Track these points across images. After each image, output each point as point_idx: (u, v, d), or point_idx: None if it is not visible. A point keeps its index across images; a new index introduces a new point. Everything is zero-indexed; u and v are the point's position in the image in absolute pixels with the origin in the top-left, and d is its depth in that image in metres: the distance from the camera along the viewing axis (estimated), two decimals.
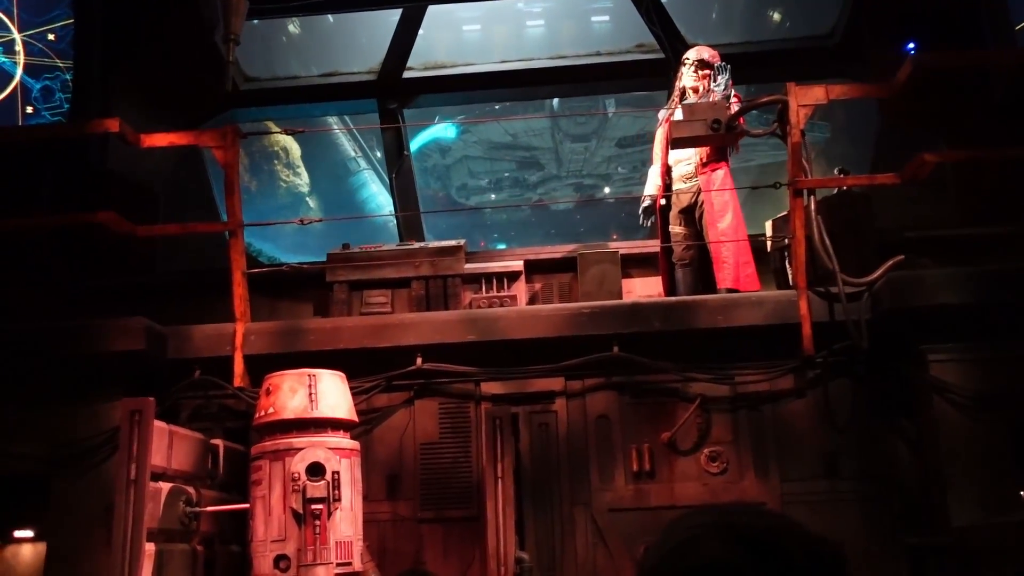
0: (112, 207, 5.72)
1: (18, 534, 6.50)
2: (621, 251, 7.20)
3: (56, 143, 7.40)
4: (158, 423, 4.61)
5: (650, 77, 9.16)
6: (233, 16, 6.11)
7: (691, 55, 6.97)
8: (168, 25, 8.88)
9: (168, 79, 8.73)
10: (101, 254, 7.53)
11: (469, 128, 19.20)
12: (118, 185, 8.08)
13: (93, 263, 7.71)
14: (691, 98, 6.80)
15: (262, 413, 4.71)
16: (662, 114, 7.11)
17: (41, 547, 5.73)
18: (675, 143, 6.20)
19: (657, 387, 5.53)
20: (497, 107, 19.86)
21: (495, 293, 6.95)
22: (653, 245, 7.18)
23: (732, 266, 6.23)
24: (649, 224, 7.30)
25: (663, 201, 6.85)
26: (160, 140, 5.98)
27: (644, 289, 7.26)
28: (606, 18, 19.25)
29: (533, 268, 7.29)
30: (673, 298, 6.18)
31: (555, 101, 20.61)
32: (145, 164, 8.03)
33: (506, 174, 21.76)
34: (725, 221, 6.41)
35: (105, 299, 7.12)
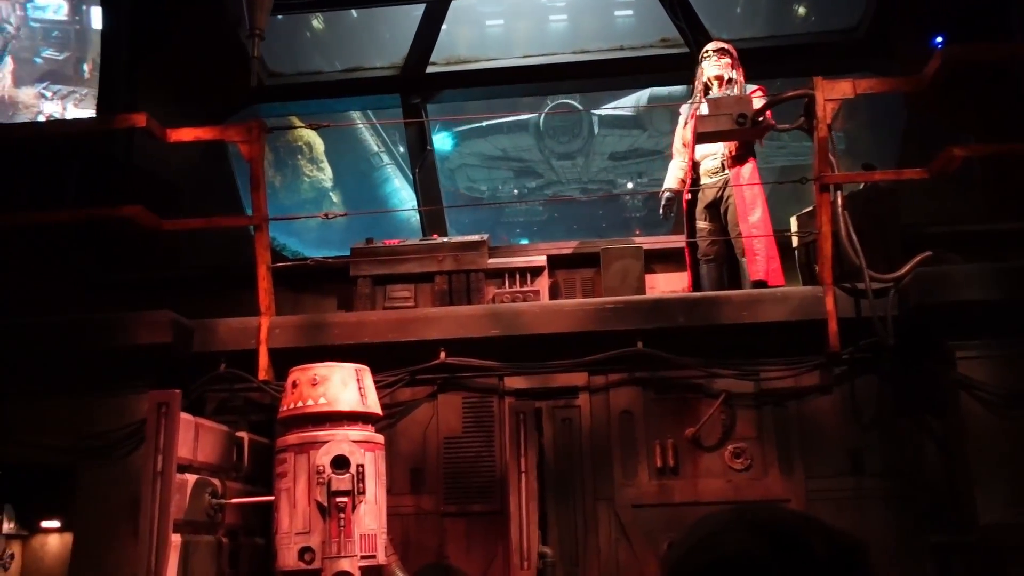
0: (138, 201, 5.76)
1: (45, 524, 6.57)
2: (644, 246, 7.19)
3: (83, 137, 7.45)
4: (184, 415, 4.64)
5: (674, 71, 9.12)
6: (258, 11, 6.15)
7: (710, 46, 6.96)
8: (193, 20, 8.94)
9: (193, 74, 8.78)
10: (127, 248, 7.60)
11: (463, 140, 19.26)
12: (144, 179, 8.15)
13: (119, 257, 7.78)
14: (715, 89, 6.78)
15: (287, 406, 4.73)
16: (685, 109, 7.09)
17: (68, 537, 5.79)
18: (701, 137, 6.17)
19: (681, 383, 5.50)
20: (484, 124, 19.99)
21: (518, 288, 6.96)
22: (676, 240, 7.16)
23: (764, 259, 6.22)
24: (671, 217, 7.28)
25: (688, 196, 6.83)
26: (186, 135, 6.01)
27: (667, 284, 7.23)
28: (629, 12, 19.16)
29: (556, 263, 7.29)
30: (697, 293, 6.16)
31: (541, 119, 20.65)
32: (171, 158, 8.08)
33: (504, 183, 21.71)
34: (756, 214, 6.40)
35: (131, 292, 7.18)
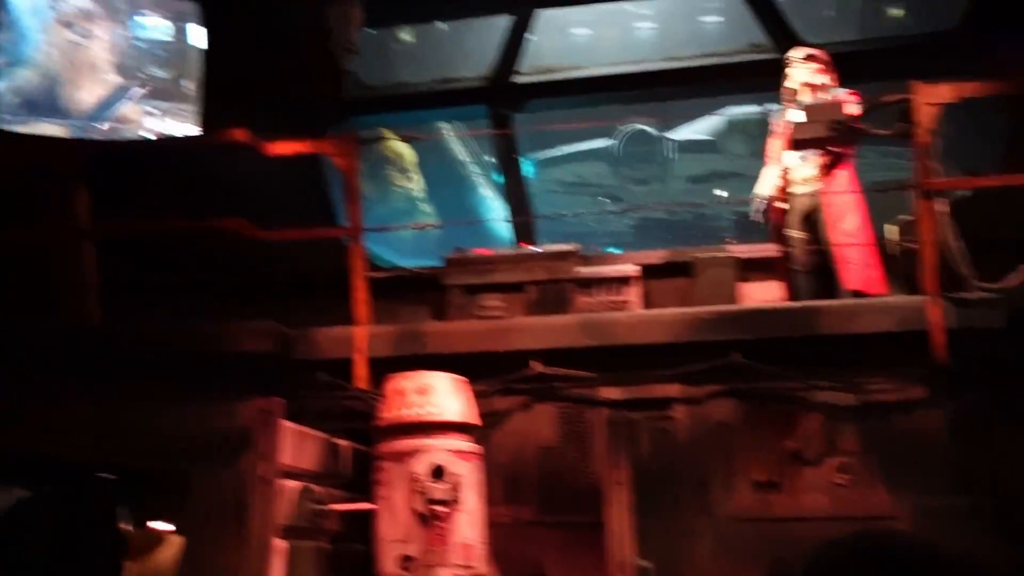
0: (238, 213, 5.92)
1: (156, 527, 6.78)
2: (738, 255, 7.10)
3: (186, 152, 7.71)
4: (286, 423, 4.75)
5: (765, 77, 8.99)
6: (349, 26, 6.28)
7: (796, 52, 6.85)
8: (289, 37, 9.17)
9: (289, 89, 9.02)
10: (229, 257, 7.83)
11: (541, 168, 19.39)
12: (243, 191, 8.39)
13: (221, 266, 8.02)
14: (806, 96, 6.68)
15: (385, 415, 4.80)
16: (777, 115, 7.00)
17: (178, 540, 5.96)
18: (796, 144, 6.09)
19: (780, 394, 5.40)
20: (560, 154, 20.04)
21: (609, 297, 6.95)
22: (771, 249, 7.05)
23: (859, 267, 6.08)
24: (765, 222, 7.19)
25: (784, 205, 6.73)
26: (283, 148, 6.18)
27: (762, 294, 7.13)
28: (719, 18, 18.92)
29: (648, 272, 7.25)
30: (795, 303, 6.06)
31: (615, 146, 20.64)
32: (268, 171, 8.29)
33: (585, 209, 21.69)
34: (849, 222, 6.27)
35: (232, 301, 7.39)
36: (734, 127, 19.71)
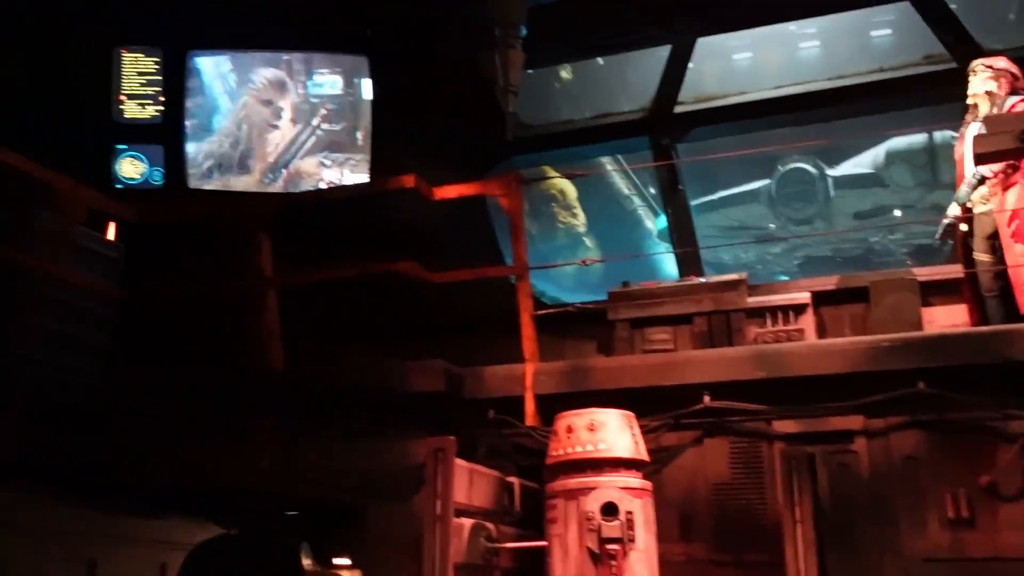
0: (409, 255, 6.13)
1: (337, 561, 7.05)
2: (919, 278, 6.75)
3: (360, 199, 8.05)
4: (459, 461, 4.84)
5: (943, 88, 8.54)
6: (511, 69, 6.42)
7: (975, 63, 6.48)
8: (452, 84, 9.48)
9: (454, 133, 9.30)
10: (399, 300, 8.11)
11: (698, 214, 19.25)
12: (413, 234, 8.69)
13: (393, 307, 8.31)
14: (984, 105, 6.32)
15: (555, 452, 4.82)
16: (963, 130, 6.63)
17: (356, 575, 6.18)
18: (979, 159, 5.72)
19: (971, 425, 5.04)
20: (716, 198, 19.64)
21: (781, 327, 6.74)
22: (955, 271, 6.65)
23: None
24: (946, 244, 6.80)
25: (964, 227, 6.36)
26: (450, 192, 6.35)
27: (947, 318, 6.72)
28: (888, 31, 18.14)
29: (820, 299, 7.00)
30: (984, 328, 5.69)
31: (772, 186, 20.01)
32: (435, 213, 8.55)
33: (746, 251, 21.18)
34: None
35: (404, 341, 7.63)
36: (897, 157, 18.93)
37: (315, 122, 9.46)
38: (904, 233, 19.04)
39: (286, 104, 9.46)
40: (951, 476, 5.01)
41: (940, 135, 18.42)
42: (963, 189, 6.42)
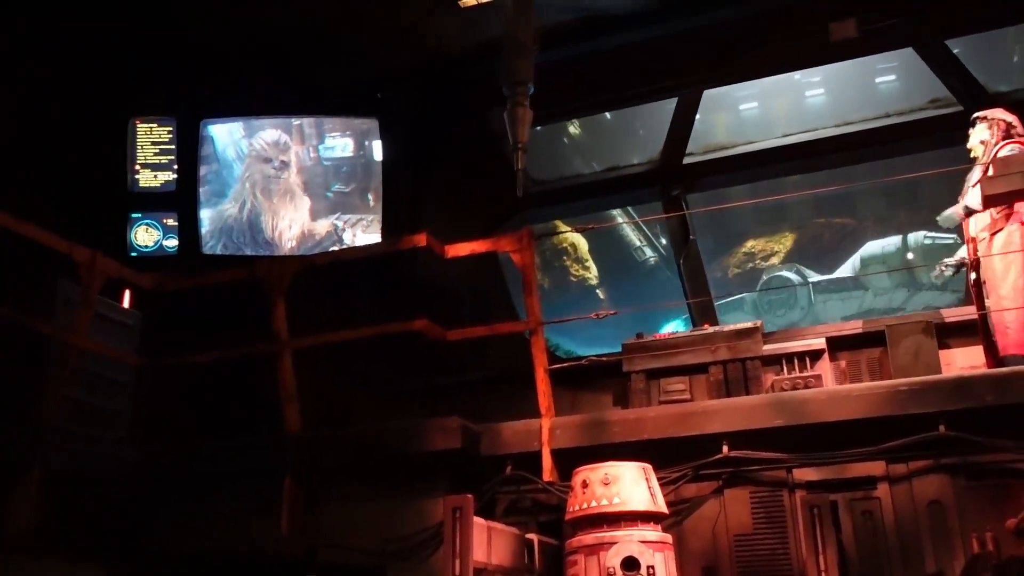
0: (423, 313, 6.15)
1: None
2: (935, 320, 6.72)
3: (372, 260, 8.12)
4: (477, 519, 4.80)
5: (950, 131, 8.58)
6: (520, 126, 6.47)
7: (977, 115, 6.63)
8: (461, 143, 9.61)
9: (464, 191, 9.40)
10: (414, 357, 8.13)
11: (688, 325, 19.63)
12: (426, 292, 8.74)
13: (407, 366, 8.33)
14: (978, 152, 6.45)
15: (573, 507, 4.78)
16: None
17: None
18: (988, 201, 5.74)
19: (996, 468, 4.97)
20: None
21: (798, 373, 6.70)
22: (971, 312, 6.63)
23: (1016, 331, 5.74)
24: (948, 276, 6.86)
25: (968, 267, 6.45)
26: (463, 249, 6.39)
27: (966, 360, 6.69)
28: (892, 77, 18.30)
29: (836, 345, 6.98)
30: (1004, 369, 5.63)
31: (759, 294, 20.53)
32: (449, 270, 8.61)
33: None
34: (1005, 285, 5.96)
35: (419, 399, 7.64)
36: (872, 260, 19.48)
37: (326, 184, 9.59)
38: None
39: (298, 168, 9.59)
40: (977, 520, 4.93)
41: (912, 237, 18.93)
42: (947, 214, 6.54)
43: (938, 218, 6.74)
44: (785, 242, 22.34)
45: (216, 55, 9.12)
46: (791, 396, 5.62)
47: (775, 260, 22.00)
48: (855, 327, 7.17)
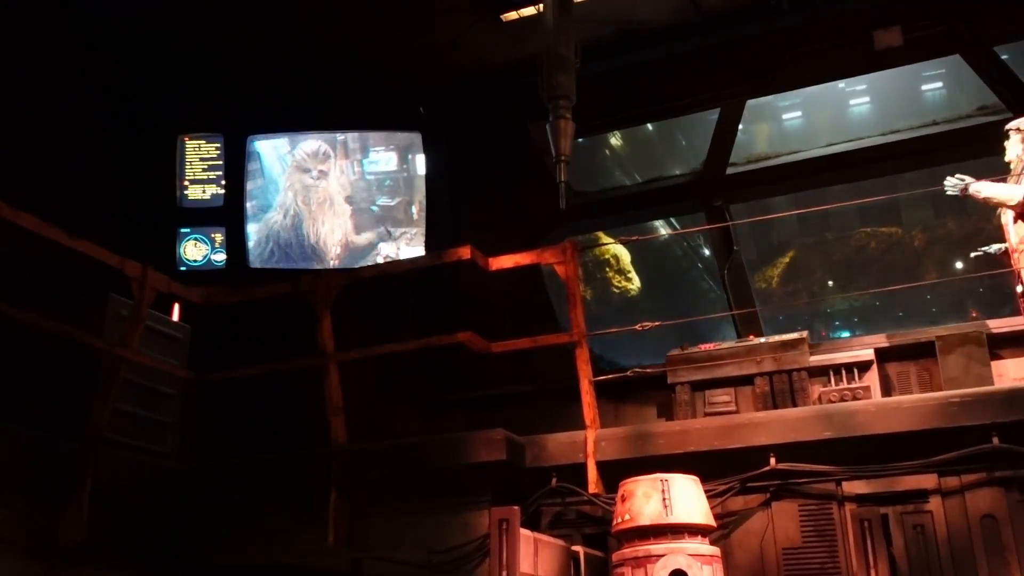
0: (466, 325, 6.17)
1: None
2: (986, 331, 6.60)
3: (416, 273, 8.16)
4: (523, 531, 4.81)
5: (999, 139, 8.45)
6: (562, 139, 6.48)
7: (1010, 126, 6.51)
8: (504, 156, 9.65)
9: (507, 204, 9.43)
10: (456, 369, 8.15)
11: None
12: (468, 304, 8.77)
13: (449, 377, 8.35)
14: (1017, 167, 6.32)
15: (619, 520, 4.76)
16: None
17: None
18: None
19: None
20: None
21: (846, 385, 6.61)
22: (1021, 323, 6.51)
23: None
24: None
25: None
26: (506, 262, 6.40)
27: (1018, 371, 6.55)
28: (939, 84, 18.07)
29: (885, 356, 6.87)
30: None
31: None
32: (490, 283, 8.64)
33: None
34: None
35: (461, 411, 7.65)
36: None
37: (371, 198, 9.69)
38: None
39: (342, 183, 9.70)
40: None
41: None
42: (951, 180, 6.41)
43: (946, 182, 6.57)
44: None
45: (260, 75, 9.28)
46: (839, 408, 5.55)
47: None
48: (904, 338, 7.06)
